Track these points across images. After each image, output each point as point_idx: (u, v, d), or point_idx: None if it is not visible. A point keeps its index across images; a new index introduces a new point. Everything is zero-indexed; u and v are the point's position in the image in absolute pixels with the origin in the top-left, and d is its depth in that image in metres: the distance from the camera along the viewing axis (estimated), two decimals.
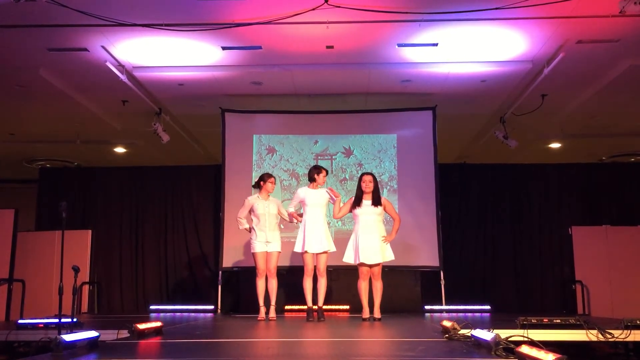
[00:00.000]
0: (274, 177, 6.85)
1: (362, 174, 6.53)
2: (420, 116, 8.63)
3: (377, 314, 6.35)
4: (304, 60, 7.09)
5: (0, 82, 7.47)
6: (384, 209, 6.44)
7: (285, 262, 8.08)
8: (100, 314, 9.13)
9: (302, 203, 6.53)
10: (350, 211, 6.49)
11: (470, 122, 9.42)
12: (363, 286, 6.41)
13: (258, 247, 6.53)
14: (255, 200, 6.65)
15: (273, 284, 6.58)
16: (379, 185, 6.76)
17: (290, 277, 8.23)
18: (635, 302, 8.43)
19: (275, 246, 6.58)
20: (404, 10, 5.78)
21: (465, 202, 9.80)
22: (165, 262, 9.71)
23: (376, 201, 6.37)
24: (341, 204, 6.53)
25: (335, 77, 7.66)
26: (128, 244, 9.83)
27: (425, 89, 8.05)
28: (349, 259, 6.43)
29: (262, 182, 6.67)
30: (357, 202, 6.42)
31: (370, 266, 6.33)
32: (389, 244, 6.41)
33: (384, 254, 6.33)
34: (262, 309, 6.51)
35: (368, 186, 6.37)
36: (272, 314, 6.50)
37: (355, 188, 6.59)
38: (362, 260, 6.28)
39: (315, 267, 6.45)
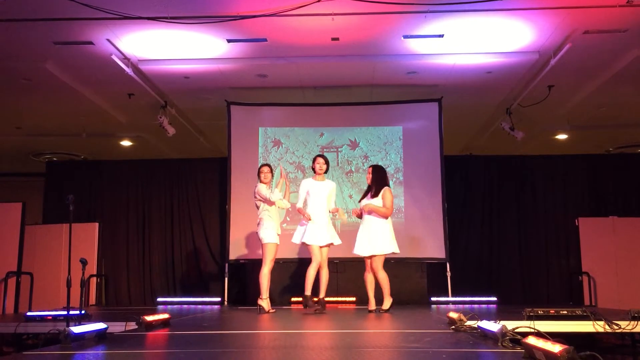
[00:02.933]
0: (267, 166, 6.60)
1: (368, 167, 6.56)
2: (426, 108, 8.62)
3: (384, 305, 6.30)
4: (310, 52, 7.08)
5: (7, 76, 7.50)
6: (383, 198, 6.29)
7: (293, 255, 8.12)
8: (107, 306, 9.19)
9: (307, 194, 6.47)
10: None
11: (476, 114, 9.39)
12: (368, 278, 6.37)
13: (273, 237, 6.35)
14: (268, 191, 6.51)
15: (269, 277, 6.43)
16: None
17: (296, 270, 8.27)
18: None
19: (278, 239, 6.50)
20: (410, 2, 5.76)
21: (471, 193, 9.77)
22: (172, 255, 9.74)
23: (376, 193, 6.31)
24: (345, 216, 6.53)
25: (341, 69, 7.64)
26: (135, 236, 9.86)
27: (431, 80, 8.03)
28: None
29: (260, 174, 6.52)
30: (365, 195, 6.44)
31: (368, 258, 6.31)
32: (387, 237, 6.20)
33: (381, 246, 6.17)
34: (268, 300, 6.36)
35: (368, 178, 6.41)
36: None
37: (360, 181, 6.64)
38: (355, 252, 6.30)
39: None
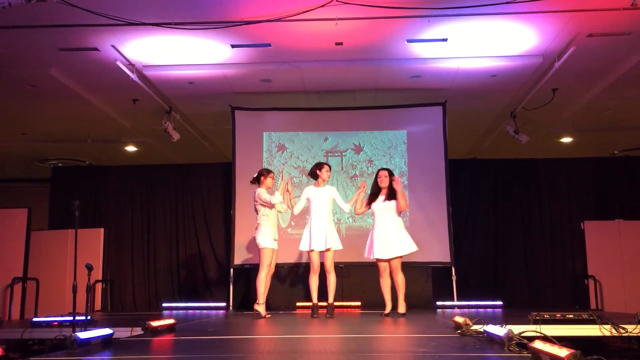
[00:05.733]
0: (273, 173, 6.78)
1: (378, 170, 6.60)
2: (430, 112, 8.61)
3: (400, 309, 6.35)
4: (313, 57, 7.09)
5: (12, 82, 7.53)
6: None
7: (299, 259, 8.12)
8: (113, 311, 9.20)
9: (308, 201, 6.55)
10: (368, 207, 6.52)
11: (480, 117, 9.38)
12: (382, 283, 6.44)
13: (270, 242, 6.43)
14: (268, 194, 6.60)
15: (268, 282, 6.54)
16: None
17: (302, 275, 8.27)
18: None
19: (276, 244, 6.56)
20: (413, 6, 5.76)
21: (476, 197, 9.76)
22: (177, 260, 9.76)
23: (390, 196, 6.40)
24: (364, 200, 6.56)
25: (345, 73, 7.65)
26: (140, 241, 9.89)
27: (435, 84, 8.02)
28: (368, 254, 6.47)
29: (262, 177, 6.58)
30: (373, 198, 6.46)
31: (387, 261, 6.35)
32: (407, 237, 6.35)
33: (402, 247, 6.30)
34: (264, 306, 6.45)
35: (383, 181, 6.45)
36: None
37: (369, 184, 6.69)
38: (376, 256, 6.33)
39: (322, 264, 6.45)
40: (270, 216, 6.48)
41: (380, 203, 6.41)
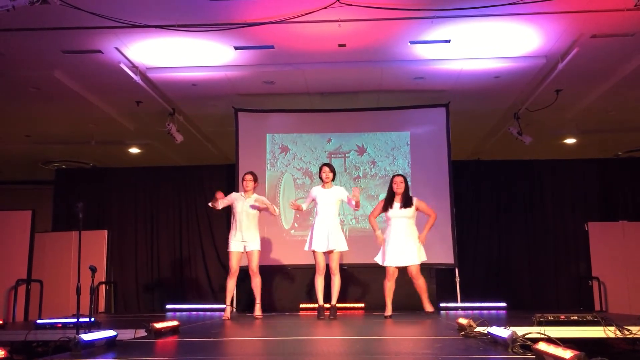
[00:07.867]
0: (250, 174, 6.81)
1: (394, 176, 6.67)
2: (434, 113, 8.61)
3: (427, 307, 6.59)
4: (316, 58, 7.09)
5: (16, 84, 7.55)
6: (418, 209, 6.56)
7: (301, 261, 8.11)
8: (117, 313, 9.21)
9: (314, 202, 6.58)
10: (383, 213, 6.55)
11: (484, 119, 9.37)
12: (388, 286, 6.51)
13: (232, 246, 6.61)
14: (237, 197, 6.74)
15: (256, 282, 6.64)
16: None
17: (305, 276, 8.27)
18: None
19: (253, 245, 6.60)
20: (416, 7, 5.76)
21: (480, 199, 9.75)
22: (180, 261, 9.77)
23: (406, 203, 6.45)
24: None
25: (348, 75, 7.65)
26: (143, 243, 9.90)
27: (438, 85, 8.02)
28: (378, 259, 6.54)
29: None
30: (389, 204, 6.49)
31: (400, 268, 6.44)
32: (421, 245, 6.50)
33: (418, 255, 6.41)
34: (228, 309, 6.65)
35: (399, 187, 6.48)
36: (258, 312, 6.61)
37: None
38: (388, 264, 6.38)
39: (327, 265, 6.46)
40: (236, 218, 6.65)
41: (397, 210, 6.46)
